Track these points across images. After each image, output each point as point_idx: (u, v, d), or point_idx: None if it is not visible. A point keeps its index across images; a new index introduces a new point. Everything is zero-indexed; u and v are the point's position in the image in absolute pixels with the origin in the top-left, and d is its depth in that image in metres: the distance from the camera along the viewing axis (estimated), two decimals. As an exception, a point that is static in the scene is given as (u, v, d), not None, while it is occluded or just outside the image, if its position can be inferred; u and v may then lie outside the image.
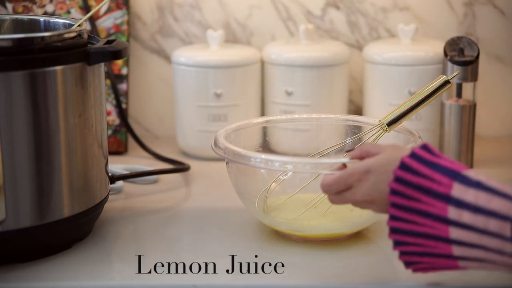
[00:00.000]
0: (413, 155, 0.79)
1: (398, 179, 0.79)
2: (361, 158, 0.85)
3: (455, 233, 0.76)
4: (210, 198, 1.16)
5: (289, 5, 1.42)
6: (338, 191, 0.85)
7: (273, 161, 0.93)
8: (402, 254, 0.81)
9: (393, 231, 0.80)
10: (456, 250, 0.77)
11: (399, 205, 0.79)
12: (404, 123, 0.99)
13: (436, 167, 0.78)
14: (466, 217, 0.75)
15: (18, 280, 0.89)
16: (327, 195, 0.86)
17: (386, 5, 1.41)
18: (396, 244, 0.80)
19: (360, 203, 0.84)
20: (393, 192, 0.79)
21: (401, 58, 1.28)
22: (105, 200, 1.01)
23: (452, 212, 0.75)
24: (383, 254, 0.95)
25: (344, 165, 0.87)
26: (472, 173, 0.77)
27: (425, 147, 0.80)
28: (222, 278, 0.90)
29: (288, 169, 0.93)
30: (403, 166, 0.79)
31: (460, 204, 0.75)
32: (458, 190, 0.76)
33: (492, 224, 0.73)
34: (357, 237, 0.99)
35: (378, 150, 0.83)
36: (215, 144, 0.99)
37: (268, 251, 0.96)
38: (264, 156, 0.94)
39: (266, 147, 1.12)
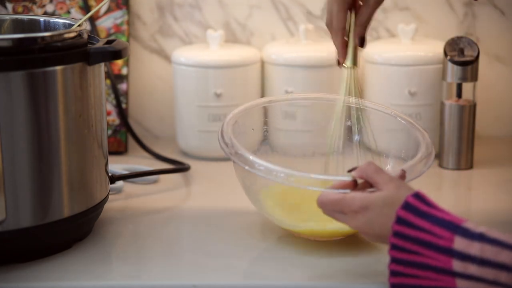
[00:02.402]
0: (407, 206, 0.78)
1: (396, 234, 0.78)
2: (362, 179, 0.85)
3: (461, 283, 0.75)
4: (210, 198, 1.15)
5: (289, 5, 1.42)
6: (332, 211, 0.85)
7: (277, 172, 0.89)
8: None
9: (394, 287, 0.79)
10: None
11: (400, 260, 0.78)
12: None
13: (433, 219, 0.77)
14: (472, 269, 0.74)
15: (18, 280, 0.89)
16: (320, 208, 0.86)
17: (386, 5, 1.41)
18: None
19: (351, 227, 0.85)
20: (393, 247, 0.78)
21: (401, 58, 1.28)
22: (105, 200, 1.01)
23: (457, 265, 0.75)
24: (383, 254, 0.94)
25: (353, 182, 0.86)
26: (472, 225, 0.76)
27: (417, 196, 0.79)
28: (222, 278, 0.90)
29: (292, 182, 0.89)
30: (399, 220, 0.78)
31: (465, 257, 0.74)
32: (461, 244, 0.75)
33: (504, 277, 0.73)
34: (357, 237, 0.99)
35: (381, 181, 0.82)
36: (221, 135, 0.96)
37: (268, 251, 0.96)
38: (269, 165, 0.90)
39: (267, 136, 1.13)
